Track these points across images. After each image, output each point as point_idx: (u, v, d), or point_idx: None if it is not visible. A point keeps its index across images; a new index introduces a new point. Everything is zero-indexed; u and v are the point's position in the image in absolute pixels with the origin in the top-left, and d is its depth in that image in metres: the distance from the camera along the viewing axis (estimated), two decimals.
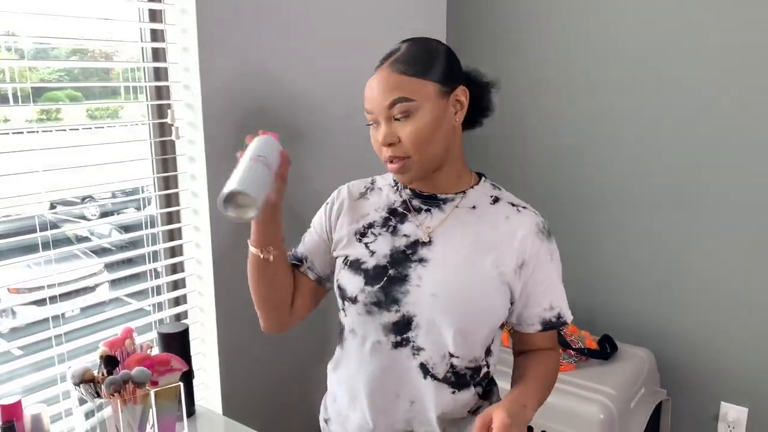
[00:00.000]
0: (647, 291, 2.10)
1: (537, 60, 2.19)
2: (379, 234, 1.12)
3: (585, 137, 2.14)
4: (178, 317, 1.63)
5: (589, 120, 2.12)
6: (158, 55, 1.52)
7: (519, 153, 2.27)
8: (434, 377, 1.08)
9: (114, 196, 1.62)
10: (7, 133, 1.41)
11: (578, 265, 2.15)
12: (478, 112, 1.12)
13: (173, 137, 1.51)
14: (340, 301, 1.15)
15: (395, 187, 1.18)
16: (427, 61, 1.04)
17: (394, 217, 1.14)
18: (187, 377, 1.38)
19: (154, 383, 1.25)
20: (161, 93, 1.54)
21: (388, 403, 1.11)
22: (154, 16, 1.49)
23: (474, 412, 1.13)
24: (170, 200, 1.60)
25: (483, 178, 1.17)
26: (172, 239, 1.60)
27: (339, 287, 1.14)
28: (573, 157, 2.17)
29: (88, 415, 1.23)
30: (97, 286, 1.61)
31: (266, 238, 1.11)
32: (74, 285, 1.49)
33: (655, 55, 1.96)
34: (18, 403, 1.14)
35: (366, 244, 1.12)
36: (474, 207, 1.12)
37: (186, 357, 1.41)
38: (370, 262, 1.10)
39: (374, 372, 1.10)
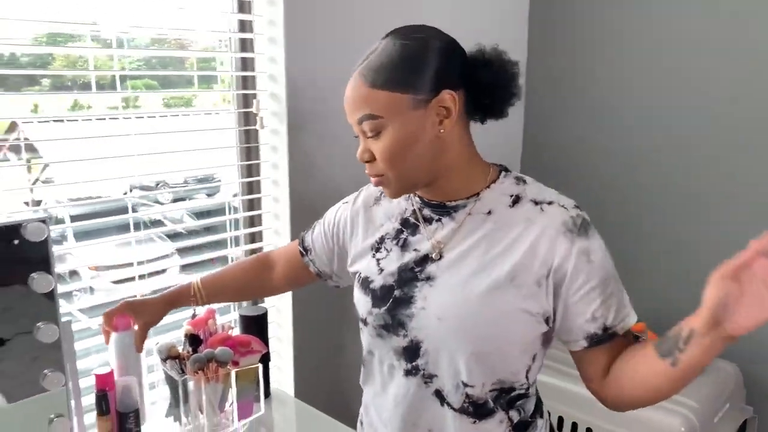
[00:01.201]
0: None
1: (621, 62, 2.11)
2: (391, 249, 1.02)
3: (677, 138, 2.04)
4: (255, 301, 1.67)
5: (676, 121, 2.03)
6: (245, 45, 1.56)
7: (603, 156, 2.20)
8: (450, 406, 0.97)
9: (186, 182, 1.68)
10: (104, 119, 1.49)
11: (662, 269, 2.07)
12: (495, 100, 0.94)
13: (257, 127, 1.56)
14: (358, 320, 1.07)
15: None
16: (405, 68, 0.88)
17: (406, 228, 1.02)
18: (265, 360, 1.41)
19: (235, 363, 1.29)
20: (247, 83, 1.58)
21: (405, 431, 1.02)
22: (243, 7, 1.53)
23: None
24: (252, 187, 1.64)
25: (504, 173, 0.99)
26: (252, 225, 1.65)
27: (355, 305, 1.07)
28: (669, 158, 2.08)
29: (173, 389, 1.29)
30: (169, 269, 1.68)
31: (187, 304, 1.26)
32: (156, 266, 1.56)
33: (748, 59, 1.85)
34: (110, 374, 1.20)
35: (378, 260, 1.03)
36: (489, 212, 0.95)
37: (264, 340, 1.45)
38: (377, 281, 1.01)
39: (392, 396, 1.02)
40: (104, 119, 1.50)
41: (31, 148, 1.34)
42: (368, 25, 1.68)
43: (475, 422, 0.96)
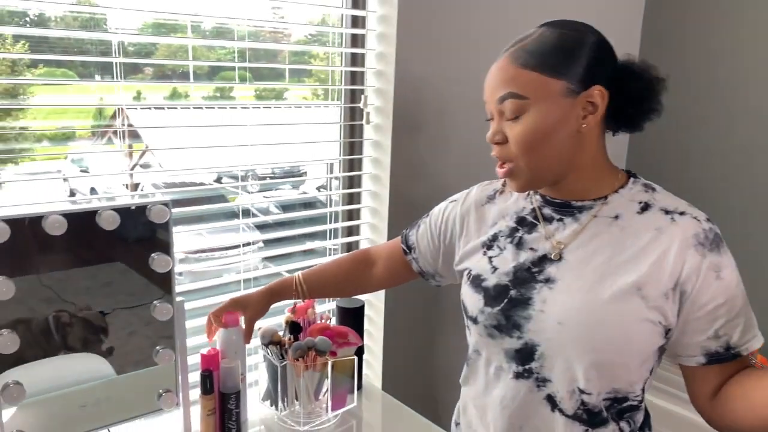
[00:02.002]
0: None
1: (738, 59, 1.99)
2: (504, 247, 1.00)
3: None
4: None
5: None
6: (356, 40, 1.58)
7: (707, 156, 2.09)
8: (562, 412, 0.93)
9: (274, 173, 1.72)
10: (226, 108, 1.55)
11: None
12: (636, 113, 0.93)
13: (364, 122, 1.57)
14: (464, 317, 1.05)
15: (526, 192, 1.04)
16: (559, 54, 0.88)
17: (522, 227, 1.00)
18: (359, 352, 1.43)
19: (333, 353, 1.32)
20: (354, 78, 1.60)
21: None
22: (356, 2, 1.55)
23: None
24: (352, 182, 1.66)
25: (632, 179, 0.97)
26: (350, 219, 1.67)
27: (462, 303, 1.05)
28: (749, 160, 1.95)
29: (272, 373, 1.33)
30: (269, 258, 1.72)
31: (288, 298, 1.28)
32: (260, 254, 1.61)
33: None
34: (216, 355, 1.25)
35: (490, 258, 1.01)
36: (616, 217, 0.93)
37: (360, 332, 1.47)
38: (491, 280, 0.98)
39: (498, 398, 0.99)
40: (213, 108, 1.56)
41: (133, 134, 1.40)
42: (482, 27, 1.67)
43: (587, 430, 0.94)
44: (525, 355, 0.94)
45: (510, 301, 0.95)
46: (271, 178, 1.82)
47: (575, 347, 0.89)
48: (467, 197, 1.11)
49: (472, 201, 1.10)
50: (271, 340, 1.31)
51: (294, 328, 1.34)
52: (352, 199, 1.67)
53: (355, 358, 1.33)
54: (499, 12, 1.70)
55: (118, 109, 1.36)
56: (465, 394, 1.10)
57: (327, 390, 1.32)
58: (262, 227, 1.67)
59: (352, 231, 1.69)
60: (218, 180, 1.72)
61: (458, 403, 1.15)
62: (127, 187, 1.41)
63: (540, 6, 1.81)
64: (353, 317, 1.46)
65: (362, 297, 1.69)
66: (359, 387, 1.49)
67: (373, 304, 1.69)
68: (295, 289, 1.26)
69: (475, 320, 0.99)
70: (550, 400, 0.94)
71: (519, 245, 0.98)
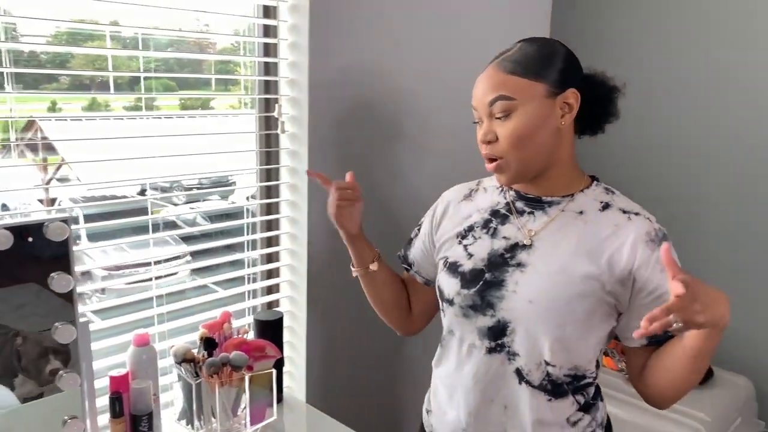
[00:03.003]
0: (748, 314, 1.98)
1: (644, 60, 2.10)
2: (479, 237, 1.12)
3: (696, 139, 2.03)
4: (270, 305, 1.67)
5: (694, 121, 2.02)
6: (268, 49, 1.56)
7: (626, 156, 2.19)
8: (529, 383, 1.05)
9: (201, 185, 1.68)
10: (122, 119, 1.49)
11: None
12: (600, 117, 1.09)
13: (279, 131, 1.55)
14: (439, 301, 1.16)
15: (500, 188, 1.17)
16: (538, 61, 1.02)
17: (496, 218, 1.12)
18: (278, 365, 1.41)
19: (249, 368, 1.29)
20: (269, 87, 1.58)
21: (481, 407, 1.09)
22: (267, 12, 1.53)
23: (574, 424, 1.08)
24: (270, 192, 1.64)
25: (596, 182, 1.12)
26: (269, 230, 1.65)
27: (438, 288, 1.16)
28: (687, 160, 2.07)
29: (186, 392, 1.29)
30: (177, 272, 1.67)
31: (361, 259, 1.25)
32: (173, 268, 1.56)
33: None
34: (126, 376, 1.20)
35: (465, 246, 1.12)
36: (581, 212, 1.07)
37: (278, 345, 1.45)
38: (467, 265, 1.10)
39: (470, 374, 1.09)
40: (122, 119, 1.50)
41: (48, 147, 1.34)
42: (393, 33, 1.69)
43: (550, 400, 1.06)
44: (497, 332, 1.06)
45: (485, 283, 1.07)
46: (198, 188, 1.78)
47: (543, 323, 1.02)
48: (444, 200, 1.23)
49: (450, 199, 1.22)
50: (184, 358, 1.27)
51: (208, 344, 1.31)
52: (271, 209, 1.65)
53: (274, 371, 1.31)
54: (411, 17, 1.73)
55: (29, 121, 1.30)
56: (436, 375, 1.20)
57: (245, 405, 1.29)
58: (189, 240, 1.62)
59: (271, 241, 1.67)
60: (142, 192, 1.66)
61: (428, 391, 1.24)
62: (42, 203, 1.34)
63: (452, 10, 1.85)
64: (272, 330, 1.44)
65: (282, 308, 1.67)
66: (280, 400, 1.47)
67: (295, 315, 1.67)
68: (378, 257, 1.27)
69: (451, 302, 1.11)
70: (519, 373, 1.06)
71: (493, 235, 1.10)
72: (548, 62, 1.02)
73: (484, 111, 1.04)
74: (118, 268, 1.67)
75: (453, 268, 1.12)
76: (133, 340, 1.26)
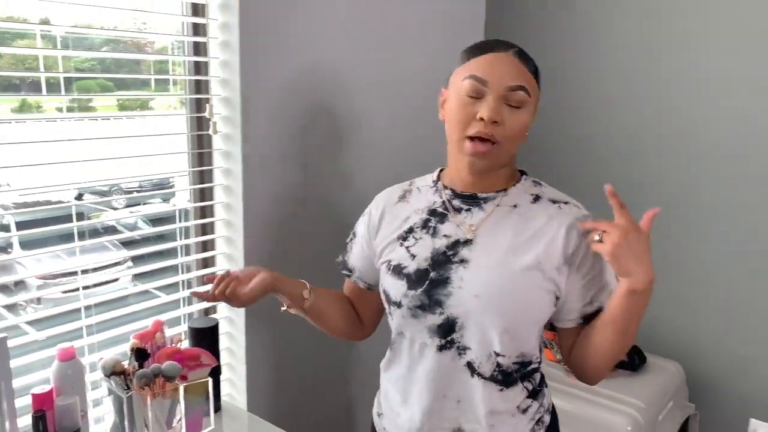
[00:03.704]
0: (678, 303, 2.06)
1: (577, 55, 2.16)
2: (420, 237, 1.13)
3: (625, 137, 2.10)
4: (207, 312, 1.63)
5: (623, 118, 2.08)
6: (198, 49, 1.52)
7: (554, 150, 2.24)
8: (481, 375, 1.08)
9: (141, 187, 1.62)
10: (55, 121, 1.42)
11: None
12: None
13: (210, 132, 1.51)
14: (386, 305, 1.16)
15: (434, 188, 1.18)
16: (536, 67, 1.09)
17: (434, 217, 1.14)
18: (215, 373, 1.38)
19: (184, 378, 1.26)
20: (200, 87, 1.54)
21: (435, 403, 1.11)
22: (196, 10, 1.49)
23: (524, 411, 1.12)
24: (204, 195, 1.59)
25: (524, 176, 1.17)
26: (204, 233, 1.60)
27: (384, 292, 1.16)
28: (612, 157, 2.13)
29: (117, 406, 1.24)
30: (120, 278, 1.62)
31: (294, 297, 1.22)
32: (105, 275, 1.50)
33: (708, 51, 1.91)
34: (50, 393, 1.14)
35: (407, 248, 1.13)
36: (515, 206, 1.11)
37: (215, 352, 1.41)
38: (411, 266, 1.11)
39: (423, 373, 1.11)
40: (55, 121, 1.43)
41: None
42: (327, 32, 1.67)
43: (501, 389, 1.09)
44: (447, 329, 1.07)
45: (431, 282, 1.08)
46: (138, 191, 1.71)
47: (491, 315, 1.05)
48: (378, 202, 1.23)
49: (382, 204, 1.22)
50: (113, 371, 1.22)
51: (140, 355, 1.26)
52: (206, 212, 1.60)
53: (209, 379, 1.28)
54: (346, 16, 1.71)
55: None
56: (387, 380, 1.20)
57: (181, 416, 1.25)
58: (129, 245, 1.56)
59: (207, 246, 1.62)
60: (79, 197, 1.58)
61: (377, 395, 1.25)
62: None
63: (388, 9, 1.84)
64: (207, 337, 1.40)
65: (218, 315, 1.63)
66: (218, 409, 1.43)
67: (233, 321, 1.63)
68: (307, 294, 1.23)
69: (399, 304, 1.11)
70: (470, 366, 1.08)
71: (434, 234, 1.12)
72: (540, 79, 1.10)
73: (498, 90, 1.03)
74: (54, 276, 1.60)
75: (397, 270, 1.12)
76: (58, 354, 1.20)
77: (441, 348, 1.09)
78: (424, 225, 1.14)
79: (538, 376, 1.15)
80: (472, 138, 1.05)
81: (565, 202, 1.12)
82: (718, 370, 2.02)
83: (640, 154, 2.07)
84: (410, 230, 1.15)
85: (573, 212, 1.10)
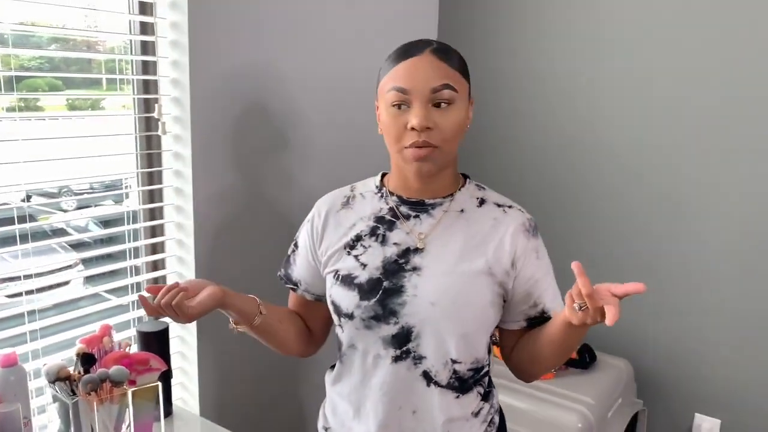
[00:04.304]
0: (626, 301, 2.10)
1: (529, 58, 2.20)
2: (369, 245, 1.10)
3: (571, 140, 2.15)
4: (157, 316, 1.60)
5: (576, 122, 2.14)
6: (146, 48, 1.49)
7: (506, 154, 2.28)
8: (438, 384, 1.07)
9: (92, 188, 1.59)
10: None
11: (557, 273, 2.16)
12: None
13: (159, 132, 1.49)
14: (335, 317, 1.12)
15: (379, 194, 1.15)
16: (460, 59, 1.06)
17: (382, 225, 1.11)
18: (166, 377, 1.36)
19: (132, 382, 1.23)
20: (148, 87, 1.51)
21: (390, 416, 1.08)
22: (144, 8, 1.46)
23: (477, 414, 1.12)
24: (153, 196, 1.57)
25: (468, 180, 1.16)
26: (154, 236, 1.58)
27: (333, 303, 1.11)
28: (559, 159, 2.18)
29: (63, 413, 1.20)
30: (71, 281, 1.58)
31: (246, 314, 1.13)
32: (51, 279, 1.46)
33: (655, 52, 1.97)
34: None
35: (356, 257, 1.10)
36: (462, 210, 1.11)
37: (165, 356, 1.39)
38: (362, 276, 1.07)
39: (378, 385, 1.08)
40: (0, 121, 1.38)
41: None
42: (273, 30, 1.66)
43: (458, 396, 1.09)
44: (402, 339, 1.06)
45: (384, 291, 1.06)
46: (89, 193, 1.67)
47: (448, 322, 1.04)
48: (319, 212, 1.17)
49: (324, 212, 1.16)
50: (57, 377, 1.19)
51: (86, 360, 1.23)
52: (155, 214, 1.58)
53: (159, 384, 1.25)
54: (297, 16, 1.71)
55: None
56: (336, 393, 1.16)
57: (129, 422, 1.22)
58: (78, 248, 1.52)
59: (156, 248, 1.59)
60: (27, 199, 1.53)
61: (322, 408, 1.22)
62: None
63: (339, 9, 1.85)
64: (157, 341, 1.38)
65: (167, 319, 1.60)
66: (169, 413, 1.41)
67: (186, 325, 1.61)
68: (258, 309, 1.14)
69: (350, 316, 1.07)
70: (426, 375, 1.07)
71: (383, 242, 1.09)
72: (467, 68, 1.08)
73: (421, 96, 1.00)
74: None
75: (347, 280, 1.09)
76: (2, 360, 1.16)
77: (396, 359, 1.06)
78: (372, 233, 1.10)
79: (486, 378, 1.16)
80: (416, 145, 1.02)
81: (509, 206, 1.13)
82: (665, 367, 2.09)
83: (579, 157, 2.12)
84: (357, 238, 1.11)
85: (518, 216, 1.11)
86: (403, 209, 1.11)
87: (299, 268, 1.20)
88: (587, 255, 2.15)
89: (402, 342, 1.05)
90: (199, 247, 1.55)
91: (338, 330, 1.13)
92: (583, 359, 1.98)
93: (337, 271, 1.11)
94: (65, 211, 1.68)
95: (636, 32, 1.98)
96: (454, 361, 1.06)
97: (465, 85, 1.05)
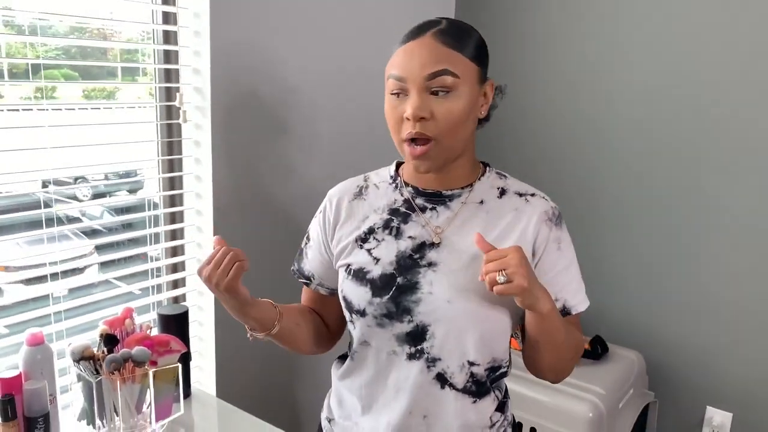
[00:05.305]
0: (638, 294, 2.13)
1: (547, 54, 2.20)
2: (382, 239, 1.04)
3: (587, 136, 2.15)
4: (176, 300, 1.64)
5: (589, 119, 2.14)
6: (168, 37, 1.52)
7: (519, 148, 2.29)
8: (453, 387, 1.01)
9: (107, 178, 1.62)
10: (18, 110, 1.41)
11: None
12: (492, 110, 1.05)
13: (180, 121, 1.52)
14: (347, 312, 1.06)
15: (394, 184, 1.09)
16: (473, 43, 0.97)
17: (396, 217, 1.05)
18: (185, 359, 1.39)
19: (153, 363, 1.26)
20: (170, 76, 1.54)
21: (402, 418, 1.03)
22: None
23: (492, 426, 1.06)
24: (173, 183, 1.60)
25: (488, 168, 1.09)
26: (173, 222, 1.61)
27: (344, 299, 1.06)
28: (573, 155, 2.19)
29: (87, 391, 1.24)
30: (87, 267, 1.61)
31: (264, 321, 1.06)
32: (72, 264, 1.50)
33: (669, 53, 1.97)
34: (18, 377, 1.15)
35: (369, 251, 1.04)
36: (482, 202, 1.04)
37: (184, 339, 1.42)
38: (375, 271, 1.02)
39: (393, 383, 1.03)
40: (17, 110, 1.42)
41: None
42: (295, 20, 1.68)
43: (475, 401, 1.03)
44: (416, 337, 0.99)
45: (398, 288, 1.00)
46: (104, 182, 1.70)
47: (466, 321, 0.98)
48: (331, 202, 1.11)
49: (336, 202, 1.10)
50: (82, 356, 1.22)
51: (109, 340, 1.26)
52: (175, 201, 1.61)
53: (179, 365, 1.29)
54: (310, 7, 1.72)
55: None
56: (344, 387, 1.11)
57: (150, 402, 1.26)
58: (93, 235, 1.55)
59: (176, 234, 1.63)
60: (44, 186, 1.58)
61: (327, 399, 1.17)
62: None
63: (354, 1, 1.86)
64: (176, 324, 1.41)
65: (188, 303, 1.64)
66: (188, 395, 1.44)
67: (203, 309, 1.65)
68: (274, 309, 1.07)
69: (362, 313, 1.02)
70: (440, 378, 1.01)
71: (397, 235, 1.03)
72: (480, 47, 0.99)
73: (417, 83, 0.93)
74: (18, 267, 1.59)
75: (359, 275, 1.03)
76: (26, 339, 1.20)
77: (410, 357, 1.01)
78: (386, 225, 1.04)
79: (504, 384, 1.10)
80: (409, 141, 0.96)
81: (532, 194, 1.06)
82: (676, 359, 2.09)
83: (593, 150, 2.13)
84: (370, 231, 1.05)
85: (541, 204, 1.04)
86: (419, 201, 1.05)
87: (312, 261, 1.14)
88: (599, 249, 2.16)
89: (417, 340, 1.00)
90: (218, 233, 1.58)
91: (350, 326, 1.08)
92: (595, 350, 1.99)
93: (348, 265, 1.05)
94: (80, 200, 1.71)
95: (661, 26, 1.98)
96: (471, 363, 1.00)
97: (473, 68, 0.96)
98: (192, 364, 1.54)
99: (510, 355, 1.10)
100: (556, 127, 2.21)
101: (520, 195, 1.06)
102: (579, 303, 1.06)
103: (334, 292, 1.12)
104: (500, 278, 0.88)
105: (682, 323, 2.06)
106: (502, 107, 1.05)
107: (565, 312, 1.04)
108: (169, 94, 1.55)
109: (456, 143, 0.98)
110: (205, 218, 1.59)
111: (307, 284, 1.17)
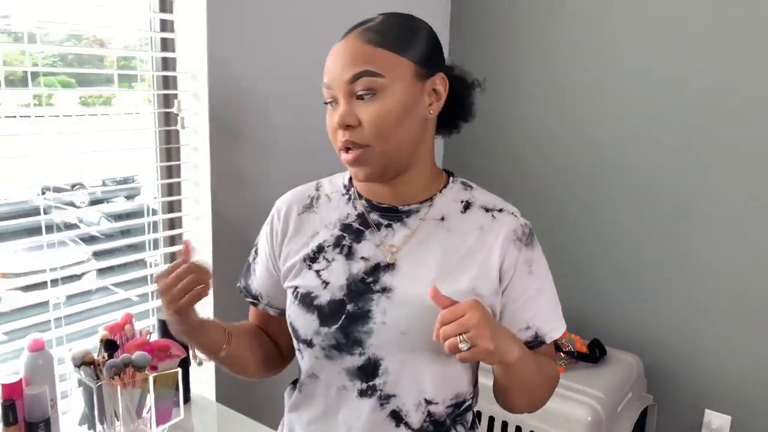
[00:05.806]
0: (636, 297, 2.13)
1: (541, 57, 2.22)
2: (333, 259, 0.93)
3: (581, 140, 2.16)
4: None
5: (584, 121, 2.15)
6: (166, 44, 1.54)
7: (512, 152, 2.29)
8: (409, 426, 0.91)
9: (104, 184, 1.64)
10: (15, 116, 1.42)
11: (569, 269, 2.18)
12: (458, 114, 0.96)
13: (179, 127, 1.53)
14: (294, 341, 0.96)
15: (347, 195, 0.98)
16: (406, 35, 0.88)
17: (349, 234, 0.94)
18: (184, 364, 1.39)
19: (153, 368, 1.27)
20: (167, 82, 1.56)
21: None
22: (164, 5, 1.51)
23: None
24: (172, 189, 1.61)
25: (452, 178, 0.99)
26: (172, 228, 1.62)
27: (291, 326, 0.96)
28: (568, 158, 2.20)
29: (87, 396, 1.25)
30: (84, 273, 1.62)
31: (213, 345, 0.97)
32: (71, 271, 1.50)
33: (659, 55, 1.98)
34: (19, 383, 1.15)
35: (317, 272, 0.93)
36: (443, 218, 0.93)
37: (184, 344, 1.42)
38: (323, 296, 0.91)
39: (343, 420, 0.93)
40: (15, 117, 1.43)
41: None
42: (292, 25, 1.70)
43: None
44: (368, 371, 0.90)
45: (348, 316, 0.90)
46: (102, 188, 1.71)
47: (422, 356, 0.88)
48: (279, 212, 1.01)
49: (287, 213, 1.00)
50: (83, 361, 1.23)
51: (109, 345, 1.27)
52: (173, 207, 1.62)
53: (179, 370, 1.30)
54: (311, 6, 1.74)
55: None
56: (295, 420, 1.01)
57: (150, 406, 1.27)
58: (90, 241, 1.56)
59: (174, 240, 1.64)
60: (42, 193, 1.59)
61: (281, 428, 1.08)
62: None
63: (344, 6, 1.87)
64: None
65: None
66: (187, 399, 1.45)
67: (202, 313, 1.65)
68: (224, 330, 0.98)
69: (309, 343, 0.92)
70: (395, 416, 0.91)
71: (349, 255, 0.93)
72: (416, 36, 0.89)
73: (341, 89, 0.86)
74: (16, 274, 1.60)
75: (306, 301, 0.92)
76: (28, 345, 1.21)
77: (362, 393, 0.91)
78: (337, 243, 0.93)
79: (470, 415, 0.99)
80: (345, 149, 0.88)
81: (500, 210, 0.95)
82: (675, 362, 2.09)
83: (583, 154, 2.14)
84: (320, 249, 0.94)
85: (509, 222, 0.93)
86: (374, 216, 0.94)
87: (259, 278, 1.04)
88: (596, 252, 2.17)
89: (369, 375, 0.90)
90: (216, 238, 1.59)
91: (298, 355, 0.98)
92: (594, 354, 2.00)
93: (296, 288, 0.95)
94: (77, 207, 1.72)
95: (643, 32, 2.00)
96: (429, 402, 0.91)
97: (405, 64, 0.86)
98: (191, 368, 1.54)
99: (476, 387, 1.00)
100: (551, 125, 2.22)
101: (487, 210, 0.95)
102: (553, 330, 0.96)
103: (284, 313, 1.01)
104: (463, 345, 0.78)
105: (681, 326, 2.06)
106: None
107: (538, 340, 0.95)
108: (167, 100, 1.56)
109: (394, 147, 0.87)
110: (203, 224, 1.60)
111: (254, 304, 1.06)
